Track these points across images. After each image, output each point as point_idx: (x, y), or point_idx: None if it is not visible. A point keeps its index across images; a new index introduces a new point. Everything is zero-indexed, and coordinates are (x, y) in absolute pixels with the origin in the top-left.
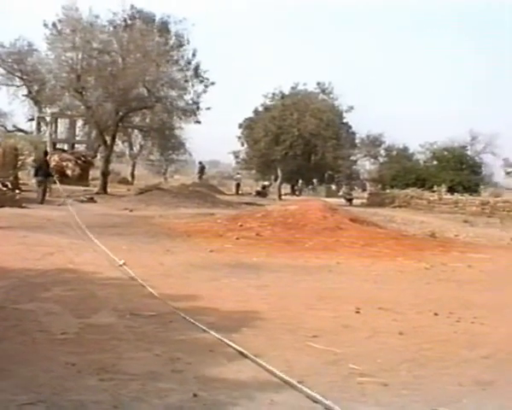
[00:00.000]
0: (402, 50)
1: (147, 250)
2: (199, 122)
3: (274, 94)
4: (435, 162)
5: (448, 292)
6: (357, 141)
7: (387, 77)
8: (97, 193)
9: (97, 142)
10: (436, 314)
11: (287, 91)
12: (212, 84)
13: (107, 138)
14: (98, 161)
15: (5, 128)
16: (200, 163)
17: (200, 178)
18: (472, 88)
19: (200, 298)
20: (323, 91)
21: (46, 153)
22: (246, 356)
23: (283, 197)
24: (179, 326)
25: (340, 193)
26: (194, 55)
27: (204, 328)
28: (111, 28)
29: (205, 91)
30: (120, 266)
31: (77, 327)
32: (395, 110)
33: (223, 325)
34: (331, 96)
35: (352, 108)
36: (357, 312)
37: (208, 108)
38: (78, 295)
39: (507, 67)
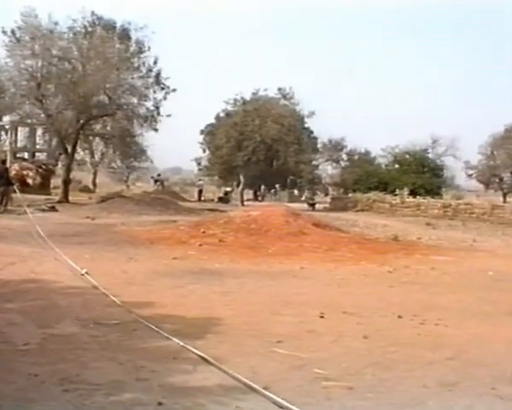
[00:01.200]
0: (362, 55)
1: (109, 258)
2: (156, 130)
3: (235, 100)
4: (397, 166)
5: (411, 295)
6: (318, 146)
7: (348, 82)
8: (59, 202)
9: (58, 150)
10: (400, 317)
11: (248, 97)
12: (174, 91)
13: (68, 146)
14: (59, 170)
15: None
16: (152, 177)
17: (162, 186)
18: (433, 91)
19: (164, 305)
20: (284, 97)
21: (4, 161)
22: (210, 363)
23: (246, 203)
24: (143, 334)
25: (303, 198)
26: (155, 62)
27: (168, 335)
28: (71, 35)
29: (165, 98)
30: (83, 275)
31: (39, 337)
32: (357, 114)
33: (187, 332)
34: (292, 101)
35: (313, 113)
36: (322, 316)
37: (169, 115)
38: (40, 305)
39: (467, 72)
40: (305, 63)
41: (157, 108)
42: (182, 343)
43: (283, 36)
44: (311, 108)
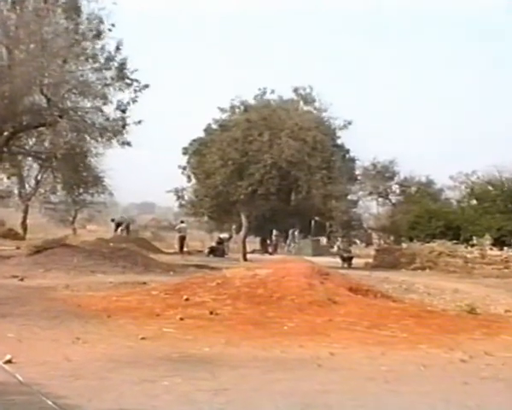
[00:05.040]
0: (417, 49)
1: (45, 339)
2: (128, 144)
3: (233, 106)
4: (474, 202)
5: (496, 397)
6: (357, 172)
7: (399, 83)
8: None
9: None
10: None
11: (251, 101)
12: (146, 87)
13: None
14: None
15: None
16: (113, 220)
17: (126, 231)
18: None
19: None
20: (305, 100)
21: None
22: None
23: (250, 257)
24: None
25: (334, 249)
26: (118, 48)
27: None
28: None
29: (134, 100)
30: (5, 363)
31: None
32: (413, 127)
33: None
34: (316, 105)
35: (349, 123)
36: None
37: (139, 122)
38: None
39: None
40: (334, 56)
41: (123, 111)
42: None
43: (300, 18)
44: (345, 117)
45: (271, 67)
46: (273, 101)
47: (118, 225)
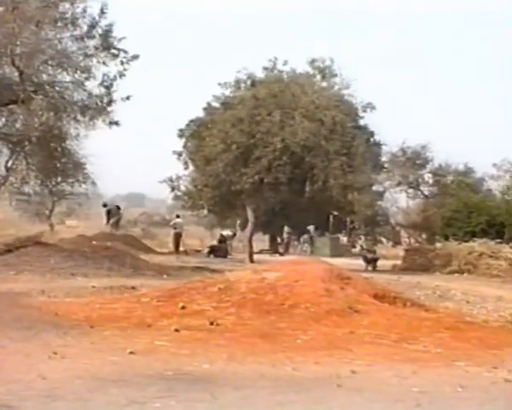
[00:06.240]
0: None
1: (17, 353)
2: (116, 123)
3: (239, 81)
4: None
5: None
6: (384, 159)
7: (432, 58)
8: None
9: None
10: None
11: (260, 75)
12: (135, 58)
13: None
14: None
15: None
16: (105, 205)
17: (115, 225)
18: None
19: None
20: (323, 74)
21: None
22: None
23: (257, 257)
24: None
25: (356, 249)
26: (102, 11)
27: None
28: None
29: (121, 74)
30: None
31: None
32: (450, 108)
33: None
34: (335, 82)
35: (371, 106)
36: None
37: (127, 98)
38: None
39: None
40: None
41: (107, 87)
42: None
43: None
44: (370, 96)
45: (284, 36)
46: (285, 74)
47: (109, 212)
